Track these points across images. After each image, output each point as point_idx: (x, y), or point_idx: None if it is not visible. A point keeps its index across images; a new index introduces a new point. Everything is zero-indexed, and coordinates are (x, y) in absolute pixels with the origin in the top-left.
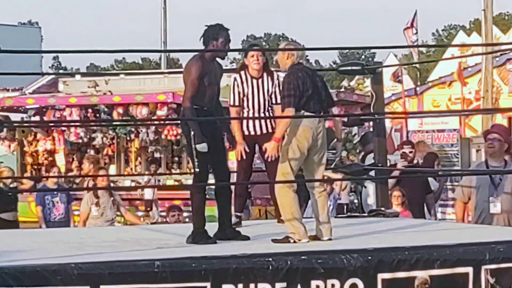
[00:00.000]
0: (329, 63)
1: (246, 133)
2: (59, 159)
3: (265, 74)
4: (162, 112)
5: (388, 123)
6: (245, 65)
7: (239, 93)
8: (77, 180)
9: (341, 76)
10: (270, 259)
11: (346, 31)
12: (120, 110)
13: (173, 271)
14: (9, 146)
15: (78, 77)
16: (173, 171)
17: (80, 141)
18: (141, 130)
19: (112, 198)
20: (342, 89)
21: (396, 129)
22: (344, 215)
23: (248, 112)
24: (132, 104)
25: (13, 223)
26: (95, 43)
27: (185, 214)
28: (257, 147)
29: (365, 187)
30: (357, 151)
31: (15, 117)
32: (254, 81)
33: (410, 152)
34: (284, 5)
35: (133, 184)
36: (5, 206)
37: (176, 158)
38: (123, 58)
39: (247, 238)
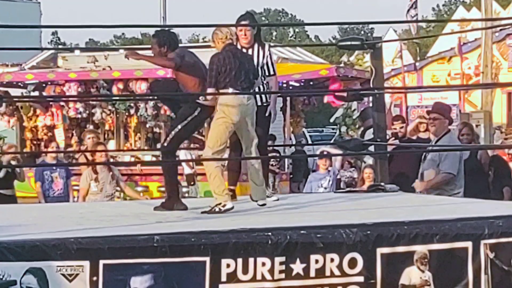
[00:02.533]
0: (329, 39)
1: None
2: (58, 135)
3: (256, 45)
4: None
5: (387, 98)
6: (237, 36)
7: None
8: (77, 155)
9: (340, 51)
10: (270, 233)
11: (346, 6)
12: (120, 85)
13: (172, 246)
14: (9, 121)
15: (77, 52)
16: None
17: (79, 116)
18: (140, 106)
19: (111, 173)
20: (342, 65)
21: (396, 104)
22: (344, 190)
23: None
24: (132, 79)
25: (12, 198)
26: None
27: (184, 189)
28: None
29: (365, 162)
30: (357, 126)
31: (14, 92)
32: (244, 51)
33: (401, 127)
34: None
35: (132, 159)
36: (5, 182)
37: None
38: (123, 33)
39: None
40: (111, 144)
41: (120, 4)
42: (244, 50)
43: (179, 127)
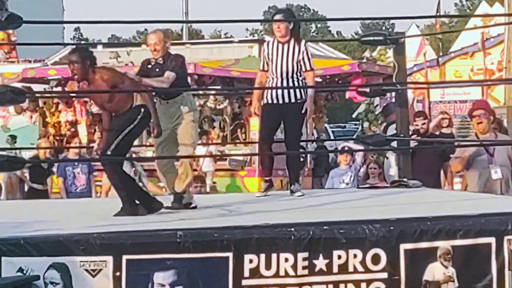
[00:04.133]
0: (351, 34)
1: (270, 101)
2: (81, 130)
3: (292, 40)
4: None
5: (410, 93)
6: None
7: (265, 57)
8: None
9: (363, 46)
10: (293, 229)
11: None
12: None
13: (195, 241)
14: (31, 116)
15: (99, 48)
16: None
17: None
18: None
19: (134, 169)
20: (364, 60)
21: (418, 99)
22: (367, 186)
23: (273, 78)
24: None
25: (44, 192)
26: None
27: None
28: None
29: (387, 158)
30: (379, 122)
31: (37, 88)
32: (280, 46)
33: (423, 124)
34: None
35: (154, 154)
36: (38, 177)
37: (199, 129)
38: (145, 29)
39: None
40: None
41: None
42: (280, 45)
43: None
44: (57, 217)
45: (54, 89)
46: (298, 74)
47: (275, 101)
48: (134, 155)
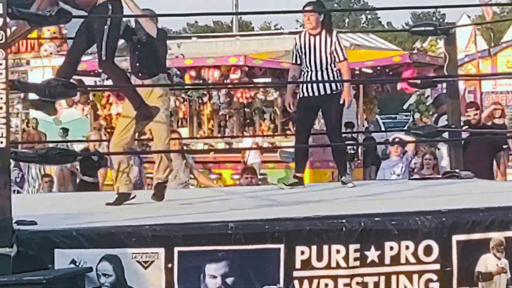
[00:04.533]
0: (402, 25)
1: (306, 94)
2: None
3: (323, 32)
4: (234, 75)
5: (461, 84)
6: None
7: (297, 50)
8: (150, 143)
9: (413, 37)
10: (344, 220)
11: None
12: (193, 73)
13: (246, 233)
14: (83, 109)
15: None
16: (245, 133)
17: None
18: (213, 93)
19: (185, 161)
20: (415, 51)
21: (470, 90)
22: (418, 177)
23: (307, 71)
24: (204, 67)
25: (95, 185)
26: (166, 7)
27: (259, 176)
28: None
29: (439, 149)
30: (430, 113)
31: (88, 80)
32: (312, 38)
33: (475, 114)
34: None
35: (205, 147)
36: (89, 170)
37: (248, 121)
38: (195, 21)
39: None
40: (185, 132)
41: None
42: (312, 38)
43: None
44: (109, 209)
45: (105, 82)
46: (332, 65)
47: (311, 94)
48: (185, 147)
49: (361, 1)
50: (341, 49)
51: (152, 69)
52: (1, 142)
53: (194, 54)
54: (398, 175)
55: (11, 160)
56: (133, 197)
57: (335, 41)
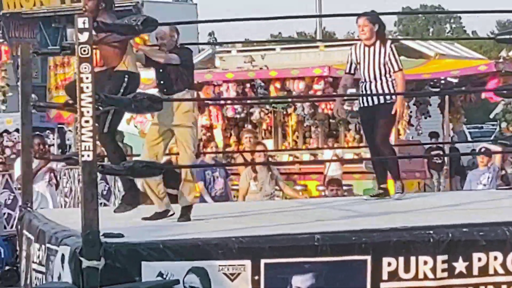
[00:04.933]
0: (487, 33)
1: (362, 105)
2: (217, 134)
3: (377, 42)
4: (318, 86)
5: None
6: None
7: (351, 60)
8: (235, 155)
9: (499, 46)
10: (431, 231)
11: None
12: (277, 84)
13: (333, 245)
14: None
15: (234, 52)
16: (329, 145)
17: (237, 116)
18: (298, 104)
19: (270, 173)
20: (501, 60)
21: None
22: (507, 187)
23: (363, 82)
24: (289, 79)
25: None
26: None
27: (344, 188)
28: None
29: None
30: None
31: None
32: (366, 49)
33: None
34: None
35: (290, 158)
36: (172, 182)
37: (334, 132)
38: (279, 32)
39: None
40: (269, 143)
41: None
42: (367, 48)
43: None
44: (195, 221)
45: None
46: (388, 75)
47: (365, 104)
48: (270, 159)
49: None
50: (396, 60)
51: (177, 84)
52: (88, 156)
53: (278, 66)
54: (485, 185)
55: (98, 173)
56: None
57: (389, 52)
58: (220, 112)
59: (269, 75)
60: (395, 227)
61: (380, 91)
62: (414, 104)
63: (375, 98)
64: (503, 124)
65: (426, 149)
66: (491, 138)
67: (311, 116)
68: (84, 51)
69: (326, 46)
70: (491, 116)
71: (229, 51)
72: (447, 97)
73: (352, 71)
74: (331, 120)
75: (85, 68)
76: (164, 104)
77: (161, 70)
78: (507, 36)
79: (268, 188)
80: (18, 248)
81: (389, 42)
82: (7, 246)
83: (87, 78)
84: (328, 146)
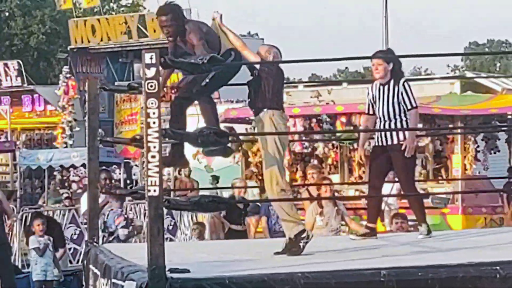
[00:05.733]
0: None
1: (377, 143)
2: None
3: (391, 81)
4: None
5: None
6: None
7: (369, 100)
8: (301, 190)
9: None
10: (498, 267)
11: None
12: (343, 119)
13: (399, 280)
14: (234, 157)
15: (300, 87)
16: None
17: (304, 151)
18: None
19: (336, 208)
20: None
21: None
22: None
23: (379, 120)
24: (355, 113)
25: (243, 233)
26: (316, 53)
27: (410, 223)
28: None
29: None
30: None
31: (239, 128)
32: (381, 87)
33: None
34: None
35: (357, 193)
36: (236, 218)
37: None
38: (346, 67)
39: None
40: (336, 178)
41: (343, 38)
42: (381, 87)
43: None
44: (260, 256)
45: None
46: (402, 114)
47: (380, 143)
48: (336, 194)
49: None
50: (409, 98)
51: (258, 104)
52: (154, 190)
53: (345, 101)
54: None
55: (164, 208)
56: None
57: (401, 91)
58: (287, 147)
59: (335, 109)
60: (461, 262)
61: (394, 131)
62: (482, 140)
63: (388, 138)
64: None
65: (505, 184)
66: None
67: None
68: (151, 86)
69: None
70: None
71: (295, 86)
72: None
73: (371, 112)
74: None
75: (152, 103)
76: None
77: (250, 87)
78: None
79: (334, 223)
80: (84, 283)
81: (402, 80)
82: (73, 281)
83: (153, 113)
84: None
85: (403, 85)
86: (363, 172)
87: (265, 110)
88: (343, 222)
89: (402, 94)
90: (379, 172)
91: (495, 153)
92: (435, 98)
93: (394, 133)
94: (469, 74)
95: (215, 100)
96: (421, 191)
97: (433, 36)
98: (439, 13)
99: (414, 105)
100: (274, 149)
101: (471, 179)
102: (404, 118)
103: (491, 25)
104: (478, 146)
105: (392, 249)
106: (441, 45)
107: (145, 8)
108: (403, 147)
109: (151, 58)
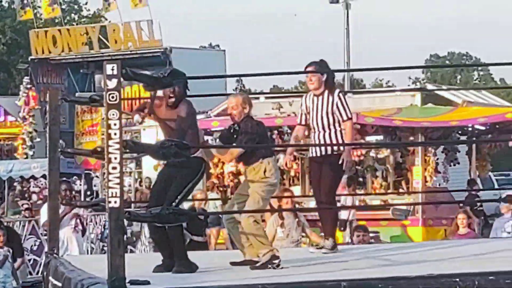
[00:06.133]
0: None
1: (311, 154)
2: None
3: (325, 92)
4: None
5: None
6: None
7: (302, 111)
8: None
9: None
10: (458, 279)
11: None
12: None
13: None
14: None
15: (262, 99)
16: (356, 191)
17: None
18: None
19: (297, 219)
20: None
21: None
22: None
23: (313, 132)
24: None
25: (204, 244)
26: (277, 64)
27: (370, 234)
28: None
29: None
30: None
31: None
32: (315, 98)
33: None
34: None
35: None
36: (197, 229)
37: (361, 179)
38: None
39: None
40: (297, 190)
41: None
42: (315, 98)
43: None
44: (221, 268)
45: (217, 141)
46: (337, 124)
47: (314, 154)
48: (297, 206)
49: (473, 58)
50: (344, 109)
51: (253, 156)
52: (115, 202)
53: None
54: (509, 232)
55: (125, 220)
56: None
57: (336, 101)
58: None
59: (297, 121)
60: (421, 274)
61: (328, 141)
62: (442, 152)
63: (323, 148)
64: None
65: (466, 196)
66: None
67: None
68: (112, 97)
69: (354, 93)
70: None
71: (257, 98)
72: (474, 144)
73: (303, 122)
74: (357, 167)
75: (113, 114)
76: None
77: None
78: None
79: (295, 235)
80: None
81: (337, 91)
82: None
83: (115, 124)
84: (351, 193)
85: (338, 96)
86: None
87: (261, 159)
88: (303, 234)
89: (337, 104)
90: (317, 182)
91: (454, 165)
92: (396, 110)
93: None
94: (430, 87)
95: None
96: (381, 203)
97: (395, 48)
98: (400, 25)
99: (349, 116)
100: (260, 199)
101: (432, 191)
102: (338, 129)
103: (452, 37)
104: (438, 158)
105: (353, 261)
106: (402, 58)
107: (106, 19)
108: (340, 161)
109: (112, 69)
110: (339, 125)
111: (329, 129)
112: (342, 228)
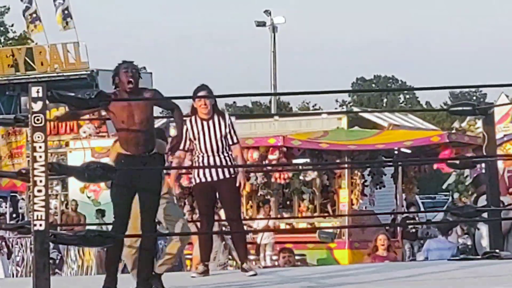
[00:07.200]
0: (440, 104)
1: (203, 180)
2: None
3: (215, 116)
4: (273, 156)
5: (500, 164)
6: (195, 108)
7: (189, 137)
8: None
9: (452, 117)
10: None
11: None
12: None
13: None
14: None
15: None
16: (284, 214)
17: (192, 185)
18: (251, 174)
19: (224, 242)
20: (454, 131)
21: (509, 170)
22: (458, 258)
23: (202, 156)
24: (243, 148)
25: None
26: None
27: (296, 257)
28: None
29: (479, 229)
30: (470, 192)
31: None
32: (204, 123)
33: None
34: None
35: (245, 228)
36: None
37: (288, 202)
38: (234, 102)
39: None
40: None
41: (231, 74)
42: (205, 122)
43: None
44: None
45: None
46: (227, 148)
47: (208, 179)
48: (224, 229)
49: (399, 81)
50: (234, 132)
51: None
52: (40, 225)
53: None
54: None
55: (50, 243)
56: None
57: (229, 123)
58: (176, 182)
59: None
60: None
61: (223, 164)
62: (368, 175)
63: (219, 172)
64: (456, 195)
65: (402, 219)
66: (444, 208)
67: (265, 186)
68: (38, 120)
69: (280, 116)
70: (444, 186)
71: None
72: (400, 167)
73: (187, 147)
74: (284, 190)
75: (39, 137)
76: None
77: None
78: (460, 108)
79: (222, 258)
80: None
81: (227, 114)
82: None
83: (40, 147)
84: (277, 217)
85: (230, 119)
86: (251, 206)
87: None
88: (230, 257)
89: (229, 127)
90: (209, 207)
91: (380, 188)
92: (323, 133)
93: (223, 168)
94: (356, 109)
95: (104, 134)
96: (308, 226)
97: (321, 71)
98: (327, 48)
99: (238, 139)
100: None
101: (358, 214)
102: (229, 153)
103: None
104: (365, 181)
105: (279, 284)
106: (329, 81)
107: (33, 41)
108: (237, 183)
109: (37, 92)
110: (229, 149)
111: (222, 153)
112: (256, 253)
